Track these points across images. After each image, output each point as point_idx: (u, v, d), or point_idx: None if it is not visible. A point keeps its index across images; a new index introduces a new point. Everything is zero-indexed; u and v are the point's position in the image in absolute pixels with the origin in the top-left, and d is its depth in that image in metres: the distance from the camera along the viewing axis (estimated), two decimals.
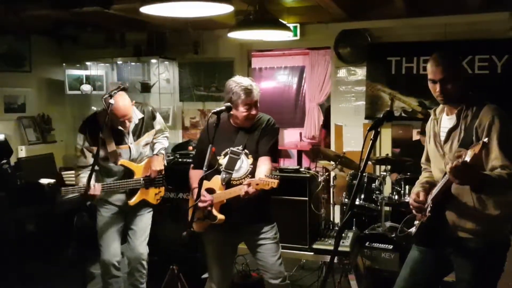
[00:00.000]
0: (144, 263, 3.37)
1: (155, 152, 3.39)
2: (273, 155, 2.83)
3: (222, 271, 2.92)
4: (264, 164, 2.74)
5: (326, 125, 6.92)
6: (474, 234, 2.22)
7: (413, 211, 2.37)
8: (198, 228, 2.86)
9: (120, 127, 3.16)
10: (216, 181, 2.78)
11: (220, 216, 2.72)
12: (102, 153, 3.16)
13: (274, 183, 2.50)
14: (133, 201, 3.27)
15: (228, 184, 2.75)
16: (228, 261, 2.99)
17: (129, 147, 3.24)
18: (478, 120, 2.16)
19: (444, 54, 2.27)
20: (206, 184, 2.80)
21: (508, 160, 2.06)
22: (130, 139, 3.25)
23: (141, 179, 3.29)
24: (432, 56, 2.29)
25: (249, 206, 2.66)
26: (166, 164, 3.43)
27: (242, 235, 2.91)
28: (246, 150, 2.78)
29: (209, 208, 2.72)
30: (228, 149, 2.79)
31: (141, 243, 3.33)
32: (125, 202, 3.30)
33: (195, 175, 2.85)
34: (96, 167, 3.10)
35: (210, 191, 2.78)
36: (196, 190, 2.72)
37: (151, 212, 3.43)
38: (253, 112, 2.73)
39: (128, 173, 3.27)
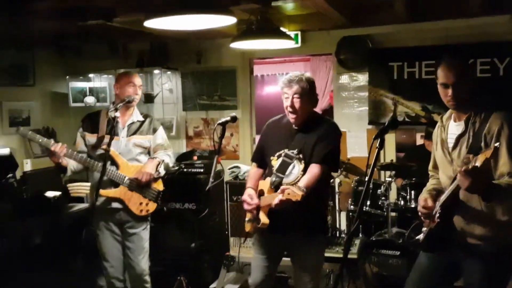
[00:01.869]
0: (147, 278, 3.34)
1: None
2: (330, 163, 2.67)
3: (262, 276, 2.81)
4: (311, 172, 2.59)
5: None
6: (482, 240, 2.22)
7: (422, 217, 2.37)
8: (249, 228, 2.81)
9: (126, 98, 3.14)
10: (266, 184, 2.71)
11: (264, 220, 2.63)
12: (93, 140, 3.21)
13: (298, 196, 2.39)
14: (105, 191, 3.15)
15: (277, 188, 2.63)
16: (271, 267, 2.85)
17: (120, 140, 3.23)
18: (487, 127, 2.16)
19: (456, 58, 2.26)
20: (260, 184, 2.79)
21: None
22: (123, 132, 3.25)
23: (126, 176, 3.19)
24: (444, 60, 2.27)
25: (298, 213, 2.55)
26: (160, 174, 3.29)
27: (288, 243, 2.78)
28: (300, 155, 2.67)
29: (254, 211, 2.67)
30: (283, 151, 2.70)
31: (140, 260, 3.29)
32: (120, 218, 3.25)
33: (252, 173, 2.88)
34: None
35: (261, 192, 2.74)
36: (249, 190, 2.75)
37: (148, 228, 3.35)
38: (293, 103, 2.62)
39: (115, 166, 3.20)
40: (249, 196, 2.72)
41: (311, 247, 2.73)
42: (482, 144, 2.14)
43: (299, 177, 2.65)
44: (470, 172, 1.88)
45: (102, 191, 3.14)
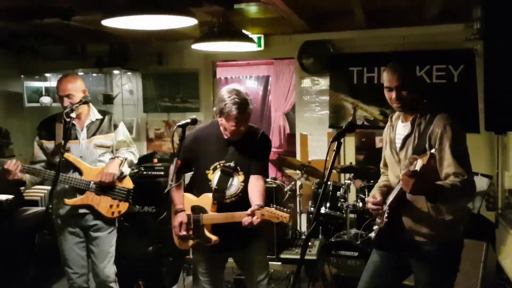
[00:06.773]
0: (113, 285, 3.21)
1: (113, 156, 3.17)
2: (267, 173, 2.74)
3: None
4: (260, 186, 2.63)
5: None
6: (429, 238, 2.31)
7: (372, 214, 2.44)
8: (185, 246, 2.76)
9: (68, 113, 2.94)
10: (207, 200, 2.66)
11: (215, 238, 2.64)
12: (52, 147, 3.07)
13: (286, 217, 2.43)
14: (71, 201, 3.04)
15: (220, 203, 2.65)
16: (219, 278, 2.89)
17: (80, 143, 3.09)
18: (431, 129, 2.24)
19: (400, 63, 2.36)
20: (194, 201, 2.70)
21: (461, 167, 2.14)
22: (83, 134, 3.11)
23: (92, 182, 3.05)
24: (388, 65, 2.37)
25: (240, 224, 2.55)
26: (124, 173, 3.15)
27: (231, 251, 2.81)
28: (238, 167, 2.66)
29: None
30: (218, 163, 2.67)
31: (105, 266, 3.15)
32: (86, 223, 3.12)
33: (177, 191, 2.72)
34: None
35: (201, 209, 2.67)
36: (182, 216, 2.65)
37: (114, 233, 3.22)
38: (242, 128, 2.60)
39: (77, 172, 3.07)
40: (183, 226, 2.64)
41: (254, 246, 2.77)
42: (427, 145, 2.22)
43: (240, 188, 2.67)
44: (411, 176, 1.95)
45: (67, 201, 3.02)
